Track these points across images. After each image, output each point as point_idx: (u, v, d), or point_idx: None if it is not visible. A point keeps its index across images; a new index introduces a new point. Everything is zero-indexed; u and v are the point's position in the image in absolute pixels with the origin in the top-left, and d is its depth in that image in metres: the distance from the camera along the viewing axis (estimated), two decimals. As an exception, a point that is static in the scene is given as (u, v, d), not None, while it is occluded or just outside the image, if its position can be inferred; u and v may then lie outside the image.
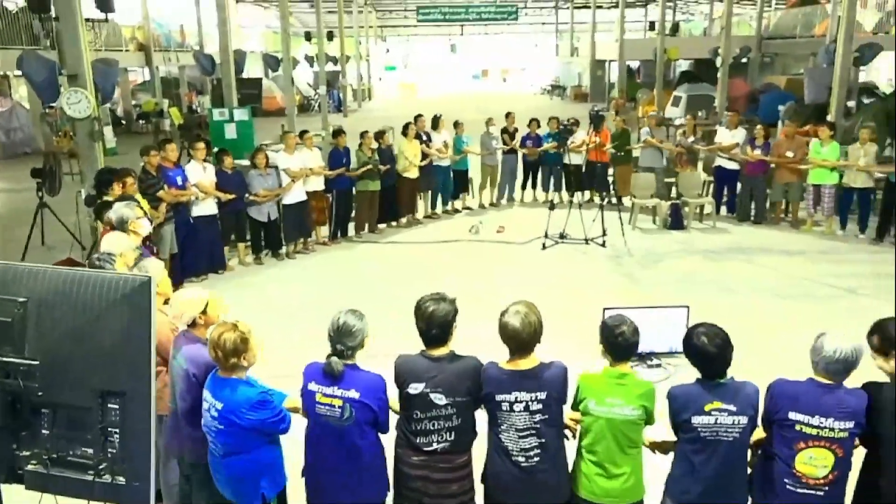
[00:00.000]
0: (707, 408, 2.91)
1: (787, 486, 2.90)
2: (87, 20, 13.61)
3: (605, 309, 5.25)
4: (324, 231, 10.01)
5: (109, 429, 2.09)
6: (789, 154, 10.09)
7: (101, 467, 2.08)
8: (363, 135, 10.07)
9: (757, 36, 29.34)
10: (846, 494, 2.96)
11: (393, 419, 3.23)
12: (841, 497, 2.92)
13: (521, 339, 3.00)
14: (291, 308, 7.37)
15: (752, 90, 24.06)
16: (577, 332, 5.98)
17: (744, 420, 2.90)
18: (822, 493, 2.86)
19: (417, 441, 3.12)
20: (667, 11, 28.58)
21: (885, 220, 9.49)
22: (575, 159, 11.58)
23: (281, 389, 3.27)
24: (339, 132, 10.12)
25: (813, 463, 2.83)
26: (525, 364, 3.05)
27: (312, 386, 3.10)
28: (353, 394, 3.03)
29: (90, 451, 2.11)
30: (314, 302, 7.43)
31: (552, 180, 12.00)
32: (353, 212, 10.23)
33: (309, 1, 33.09)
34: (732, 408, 2.89)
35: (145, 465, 2.09)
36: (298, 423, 3.27)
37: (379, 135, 10.34)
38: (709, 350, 2.92)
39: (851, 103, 16.58)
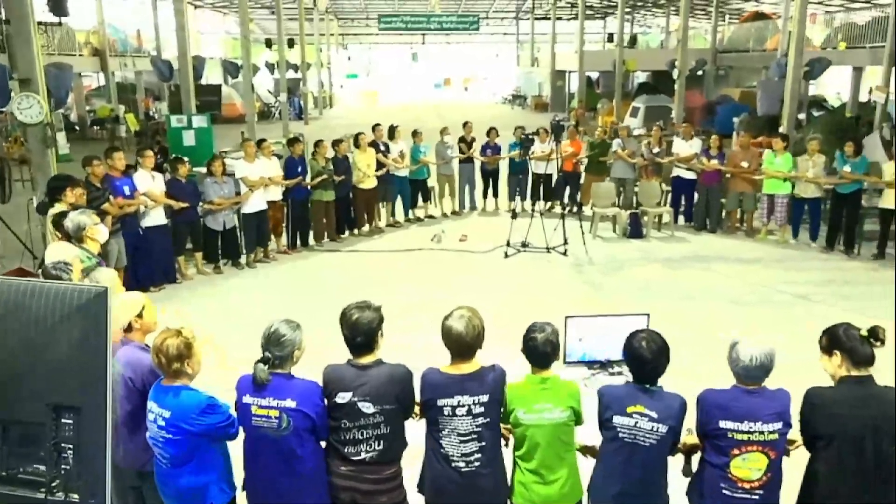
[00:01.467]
0: (629, 409, 2.95)
1: (724, 492, 2.94)
2: (40, 24, 13.27)
3: (567, 317, 5.29)
4: (284, 240, 9.90)
5: (63, 444, 2.02)
6: (744, 164, 10.35)
7: (53, 485, 2.01)
8: (317, 144, 9.99)
9: (712, 49, 30.10)
10: (780, 497, 3.01)
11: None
12: (776, 498, 2.98)
13: (464, 343, 3.01)
14: (254, 318, 7.16)
15: (708, 102, 24.65)
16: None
17: (663, 429, 2.93)
18: (757, 497, 2.92)
19: (346, 451, 3.08)
20: (625, 24, 29.08)
21: (833, 229, 9.79)
22: (539, 168, 11.66)
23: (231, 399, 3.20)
24: (294, 140, 10.02)
25: (747, 466, 2.89)
26: (467, 368, 3.06)
27: (247, 399, 3.04)
28: (290, 403, 2.99)
29: (42, 468, 2.03)
30: (277, 312, 7.28)
31: (518, 189, 12.06)
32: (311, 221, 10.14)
33: (269, 8, 32.86)
34: (654, 414, 2.93)
35: (101, 482, 2.02)
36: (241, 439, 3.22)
37: (336, 143, 10.27)
38: (643, 354, 2.96)
39: (802, 115, 17.12)
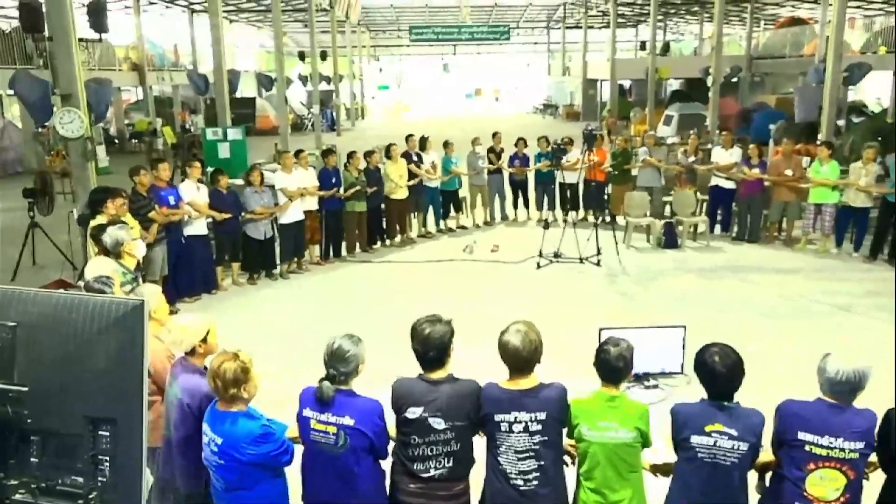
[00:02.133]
0: (707, 428, 2.87)
1: None
2: (81, 40, 13.64)
3: (601, 329, 5.22)
4: (317, 251, 9.97)
5: (100, 456, 2.03)
6: (788, 173, 10.11)
7: (91, 496, 2.02)
8: (350, 155, 10.06)
9: (746, 55, 29.67)
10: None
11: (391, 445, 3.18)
12: None
13: (521, 358, 2.97)
14: (287, 329, 7.30)
15: (743, 109, 24.27)
16: (574, 353, 5.95)
17: (744, 446, 2.85)
18: None
19: (415, 467, 3.05)
20: (657, 32, 28.84)
21: (879, 239, 9.52)
22: (569, 178, 11.59)
23: (279, 414, 3.19)
24: (328, 152, 10.12)
25: (824, 484, 2.79)
26: (525, 383, 3.01)
27: (307, 412, 3.04)
28: (348, 420, 2.97)
29: (80, 479, 2.04)
30: (309, 323, 7.37)
31: (546, 199, 12.00)
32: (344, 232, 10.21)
33: (303, 21, 33.30)
34: (734, 432, 2.85)
35: (136, 494, 2.03)
36: (300, 451, 3.21)
37: (368, 154, 10.33)
38: (718, 370, 2.89)
39: (841, 122, 16.74)
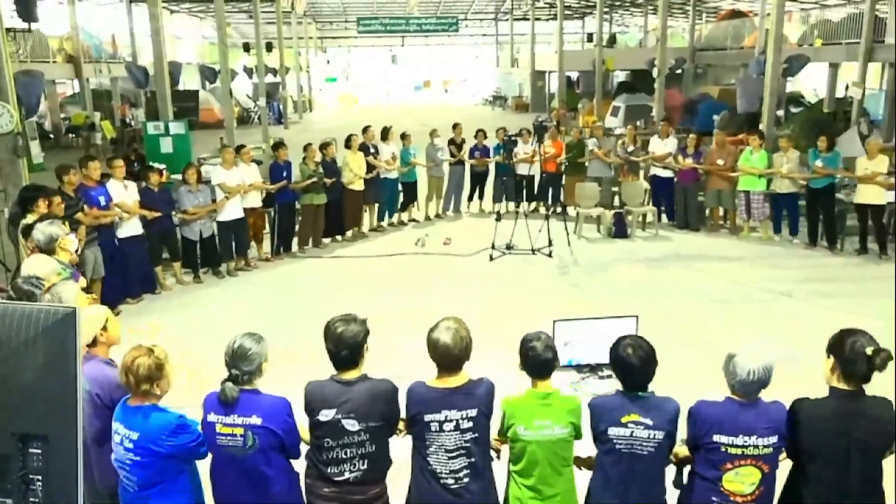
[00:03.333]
0: (624, 419, 2.88)
1: None
2: (9, 30, 13.01)
3: (554, 321, 5.22)
4: (266, 247, 9.76)
5: (31, 476, 1.91)
6: (720, 162, 10.36)
7: (21, 518, 1.90)
8: (307, 147, 9.88)
9: (690, 47, 30.28)
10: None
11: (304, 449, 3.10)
12: None
13: (452, 356, 2.92)
14: (231, 329, 7.07)
15: (688, 100, 24.78)
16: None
17: (660, 435, 2.87)
18: None
19: (328, 471, 2.98)
20: (603, 24, 29.18)
21: (813, 224, 9.83)
22: (522, 169, 11.62)
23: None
24: (278, 145, 9.91)
25: (740, 479, 2.82)
26: (455, 381, 2.97)
27: (212, 417, 2.94)
28: (255, 420, 2.89)
29: (9, 501, 1.92)
30: (256, 322, 7.15)
31: (505, 190, 12.00)
32: (297, 226, 10.01)
33: (247, 12, 32.59)
34: (649, 421, 2.86)
35: (72, 514, 1.91)
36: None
37: (323, 147, 10.17)
38: (631, 362, 2.89)
39: (780, 112, 17.23)
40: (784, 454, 2.94)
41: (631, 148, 11.50)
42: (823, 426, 2.78)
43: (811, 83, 29.13)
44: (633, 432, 2.88)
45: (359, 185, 10.45)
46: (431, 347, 2.95)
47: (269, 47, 29.86)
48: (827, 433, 2.77)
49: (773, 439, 2.79)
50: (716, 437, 2.82)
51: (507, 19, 44.91)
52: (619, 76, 34.96)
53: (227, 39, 17.47)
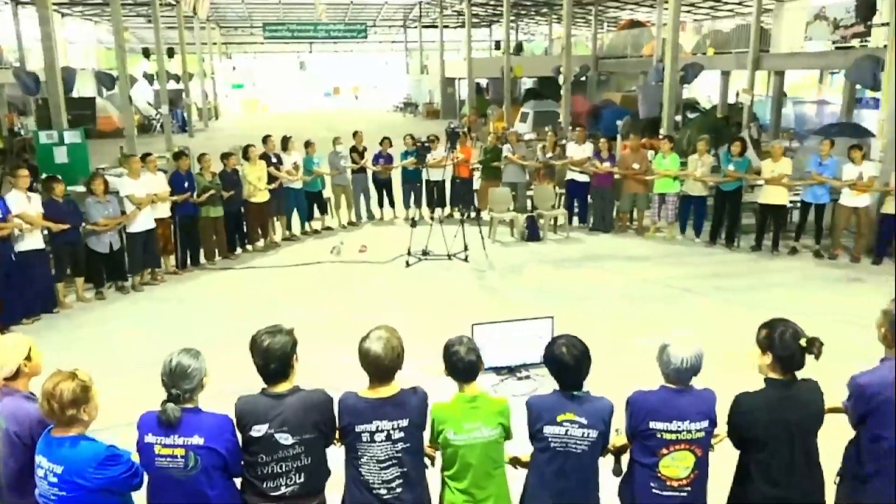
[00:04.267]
0: (559, 418, 2.94)
1: (654, 491, 2.99)
2: None
3: (473, 325, 5.27)
4: (173, 260, 9.38)
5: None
6: (635, 166, 10.77)
7: None
8: (200, 158, 9.55)
9: (593, 55, 31.40)
10: (707, 491, 3.09)
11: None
12: (703, 494, 3.05)
13: (383, 366, 2.89)
14: (135, 347, 6.77)
15: (593, 106, 25.63)
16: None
17: (594, 434, 2.95)
18: (685, 493, 2.98)
19: (264, 486, 2.90)
20: (510, 32, 29.81)
21: (716, 224, 10.36)
22: (435, 175, 11.69)
23: (123, 443, 2.92)
24: (180, 154, 9.55)
25: (675, 464, 2.94)
26: (386, 391, 2.94)
27: (149, 438, 2.81)
28: (197, 440, 2.78)
29: None
30: (162, 339, 6.90)
31: (413, 197, 12.03)
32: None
33: (146, 16, 31.34)
34: (584, 420, 2.94)
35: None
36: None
37: (224, 157, 9.85)
38: (566, 361, 2.96)
39: (678, 118, 18.09)
40: (722, 436, 3.08)
41: (550, 154, 11.78)
42: (767, 416, 2.93)
43: (705, 90, 30.74)
44: (567, 431, 2.93)
45: (262, 197, 10.19)
46: (362, 357, 2.91)
47: (170, 53, 28.81)
48: (770, 422, 2.92)
49: (705, 424, 2.92)
50: (652, 424, 2.93)
51: (416, 27, 45.16)
52: (527, 83, 35.78)
53: (125, 44, 16.70)
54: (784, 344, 2.90)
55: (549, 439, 2.95)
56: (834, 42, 17.09)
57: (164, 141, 20.94)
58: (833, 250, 9.58)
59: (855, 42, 16.21)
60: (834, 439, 3.19)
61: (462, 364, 3.01)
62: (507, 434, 3.08)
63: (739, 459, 3.09)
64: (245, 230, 10.31)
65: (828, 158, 9.45)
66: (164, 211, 8.92)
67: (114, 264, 8.43)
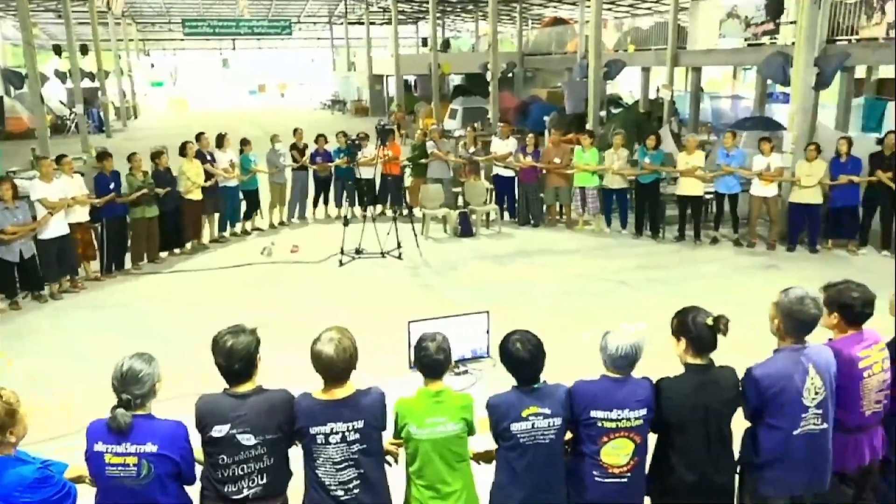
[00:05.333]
0: (524, 413, 2.99)
1: (596, 479, 3.06)
2: None
3: (409, 322, 5.27)
4: (94, 265, 8.99)
5: None
6: (557, 160, 10.99)
7: None
8: (132, 157, 9.21)
9: (519, 52, 31.81)
10: (645, 479, 3.18)
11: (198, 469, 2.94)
12: (642, 480, 3.15)
13: (336, 368, 2.86)
14: (56, 361, 6.47)
15: (520, 102, 25.97)
16: (386, 349, 5.96)
17: (558, 421, 3.02)
18: (626, 479, 3.07)
19: (226, 489, 2.85)
20: (437, 29, 29.86)
21: (640, 216, 10.69)
22: (366, 173, 11.61)
23: (55, 456, 2.81)
24: (104, 155, 9.18)
25: (616, 452, 3.03)
26: (341, 392, 2.91)
27: (99, 447, 2.71)
28: (150, 447, 2.70)
29: None
30: (86, 349, 6.62)
31: (345, 195, 11.92)
32: (129, 241, 9.31)
33: (56, 11, 29.86)
34: (547, 410, 3.00)
35: None
36: (86, 493, 2.84)
37: (155, 156, 9.53)
38: (522, 356, 3.00)
39: (603, 113, 18.54)
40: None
41: (472, 149, 11.86)
42: (686, 401, 3.04)
43: (628, 86, 31.62)
44: (534, 424, 2.98)
45: (197, 195, 9.92)
46: (315, 360, 2.87)
47: (84, 50, 27.58)
48: (689, 406, 3.03)
49: (643, 412, 3.02)
50: (593, 413, 3.00)
51: (342, 23, 44.63)
52: (455, 80, 35.94)
53: (34, 41, 15.87)
54: (695, 327, 3.02)
55: (518, 436, 2.99)
56: (746, 39, 17.83)
57: (80, 142, 20.00)
58: (750, 239, 10.04)
59: (765, 39, 16.97)
60: (743, 426, 3.30)
61: (427, 360, 3.03)
62: (471, 429, 3.09)
63: (657, 443, 3.19)
64: (181, 230, 9.99)
65: (733, 149, 9.95)
66: (82, 215, 8.54)
67: (28, 273, 8.00)
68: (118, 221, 8.99)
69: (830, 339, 3.29)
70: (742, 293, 7.87)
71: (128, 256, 9.32)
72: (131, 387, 2.72)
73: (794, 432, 3.04)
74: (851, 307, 3.20)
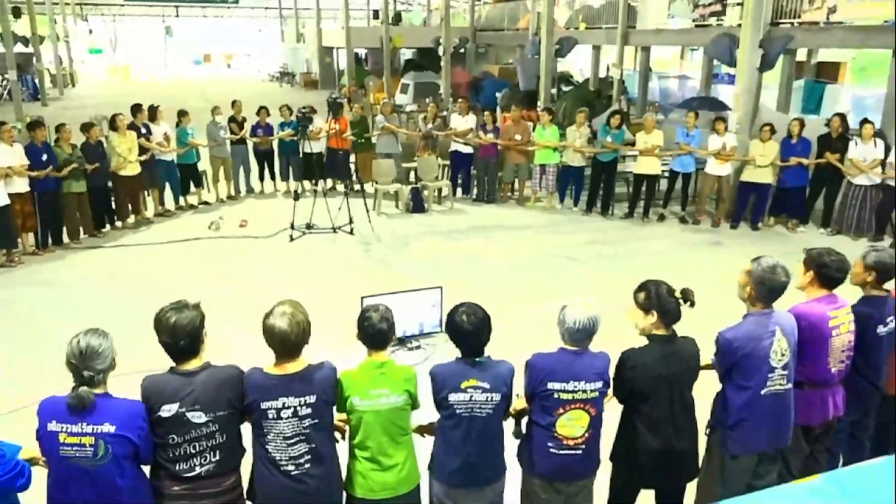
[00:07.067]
0: (463, 385, 3.02)
1: (551, 450, 3.12)
2: None
3: (362, 297, 5.23)
4: (32, 239, 8.63)
5: None
6: (518, 137, 11.00)
7: None
8: (59, 128, 8.82)
9: (471, 27, 31.58)
10: (599, 451, 3.26)
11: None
12: (596, 452, 3.22)
13: (289, 343, 2.83)
14: (5, 338, 6.23)
15: (473, 78, 25.87)
16: (339, 324, 5.92)
17: (497, 396, 3.05)
18: (580, 451, 3.13)
19: (177, 468, 2.80)
20: (388, 1, 29.43)
21: (593, 193, 10.82)
22: (314, 147, 11.42)
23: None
24: (36, 124, 8.76)
25: (571, 424, 3.09)
26: (293, 367, 2.88)
27: (53, 426, 2.63)
28: (108, 427, 2.63)
29: None
30: (24, 326, 6.39)
31: (291, 170, 11.70)
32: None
33: (-16, -30, 28.22)
34: (486, 385, 3.03)
35: None
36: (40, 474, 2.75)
37: (86, 128, 9.14)
38: (466, 328, 3.03)
39: (554, 90, 18.63)
40: (610, 395, 3.24)
41: (431, 125, 11.77)
42: (652, 370, 3.13)
43: (578, 64, 31.79)
44: (472, 396, 3.01)
45: (132, 170, 9.57)
46: (267, 335, 2.83)
47: (16, 13, 26.25)
48: (654, 376, 3.13)
49: (599, 384, 3.08)
50: (549, 385, 3.05)
51: (291, -8, 43.56)
52: (407, 54, 35.55)
53: (-38, 1, 15.01)
54: (663, 300, 3.11)
55: (455, 406, 3.02)
56: (694, 20, 18.12)
57: (14, 110, 19.12)
58: (697, 216, 10.29)
59: (712, 20, 17.27)
60: (705, 395, 3.45)
61: (372, 330, 3.02)
62: (414, 402, 3.10)
63: (623, 413, 3.28)
64: (114, 206, 9.66)
65: (693, 130, 10.12)
66: (21, 185, 8.17)
67: (-39, 246, 7.65)
68: (51, 195, 8.58)
69: (801, 304, 3.48)
70: (689, 268, 8.08)
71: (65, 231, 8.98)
72: (92, 362, 2.64)
73: (762, 392, 3.22)
74: (828, 267, 3.43)
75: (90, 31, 47.94)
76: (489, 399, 3.02)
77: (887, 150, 9.05)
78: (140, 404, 2.76)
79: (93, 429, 2.62)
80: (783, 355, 3.22)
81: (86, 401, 2.61)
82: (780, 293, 3.25)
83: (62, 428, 2.62)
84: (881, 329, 3.60)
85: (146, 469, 2.87)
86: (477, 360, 3.07)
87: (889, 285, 3.69)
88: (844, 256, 3.49)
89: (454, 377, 3.03)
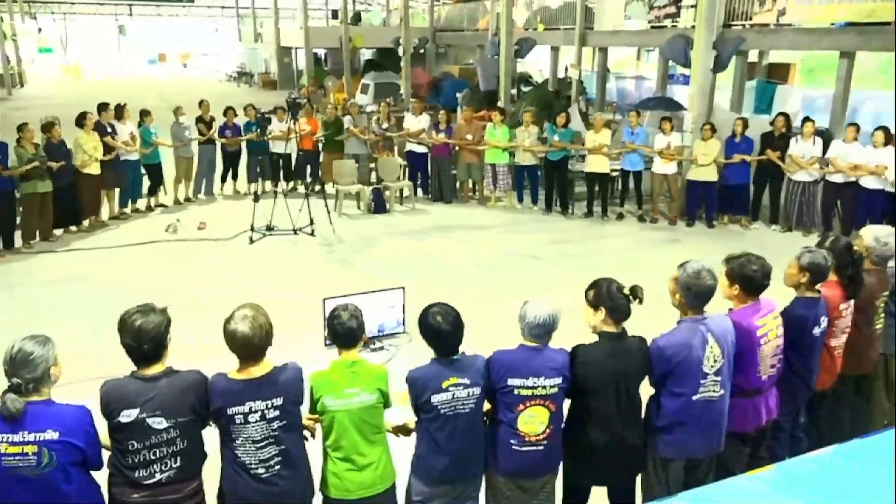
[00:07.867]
0: (445, 385, 3.04)
1: (514, 447, 3.16)
2: None
3: (325, 299, 5.23)
4: (-20, 244, 8.38)
5: None
6: (469, 137, 11.07)
7: None
8: (22, 128, 8.59)
9: (431, 28, 31.61)
10: (560, 447, 3.29)
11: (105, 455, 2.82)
12: (557, 447, 3.27)
13: (252, 346, 2.81)
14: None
15: (433, 78, 25.89)
16: (303, 326, 5.90)
17: (477, 390, 3.09)
18: (542, 447, 3.17)
19: (136, 475, 2.76)
20: (347, 1, 29.26)
21: (549, 192, 10.95)
22: (278, 148, 11.31)
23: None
24: (-14, 125, 8.51)
25: (532, 421, 3.13)
26: (258, 371, 2.87)
27: None
28: (51, 434, 2.57)
29: None
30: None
31: (260, 170, 11.57)
32: (19, 218, 8.71)
33: (-74, -34, 27.27)
34: (466, 381, 3.06)
35: None
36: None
37: (47, 127, 8.92)
38: (443, 328, 3.05)
39: (513, 90, 18.77)
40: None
41: (385, 125, 11.76)
42: (600, 366, 3.17)
43: (537, 64, 32.07)
44: (454, 394, 3.04)
45: (95, 169, 9.38)
46: (229, 339, 2.81)
47: (-40, 10, 25.37)
48: (602, 372, 3.17)
49: (559, 380, 3.12)
50: (510, 381, 3.09)
51: (248, -9, 42.99)
52: (367, 54, 35.40)
53: None
54: (613, 297, 3.15)
55: (439, 407, 3.04)
56: (650, 22, 18.44)
57: (-41, 111, 18.49)
58: (653, 215, 10.48)
59: (667, 22, 17.60)
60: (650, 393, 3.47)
61: (342, 329, 3.03)
62: (387, 401, 3.11)
63: (571, 407, 3.32)
64: (80, 205, 9.43)
65: (637, 128, 10.35)
66: (-29, 188, 7.93)
67: None
68: (5, 197, 8.37)
69: (731, 310, 3.50)
70: (648, 266, 8.21)
71: (18, 234, 8.73)
72: (22, 370, 2.56)
73: (694, 398, 3.22)
74: (752, 279, 3.39)
75: (39, 30, 46.61)
76: (470, 395, 3.06)
77: (826, 147, 9.36)
78: (85, 409, 2.71)
79: (35, 437, 2.56)
80: (716, 361, 3.21)
81: (12, 409, 2.53)
82: (709, 298, 3.24)
83: (3, 438, 2.55)
84: (816, 330, 3.62)
85: (98, 475, 2.81)
86: (453, 358, 3.10)
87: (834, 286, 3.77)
88: (765, 259, 3.45)
89: (435, 378, 3.05)
